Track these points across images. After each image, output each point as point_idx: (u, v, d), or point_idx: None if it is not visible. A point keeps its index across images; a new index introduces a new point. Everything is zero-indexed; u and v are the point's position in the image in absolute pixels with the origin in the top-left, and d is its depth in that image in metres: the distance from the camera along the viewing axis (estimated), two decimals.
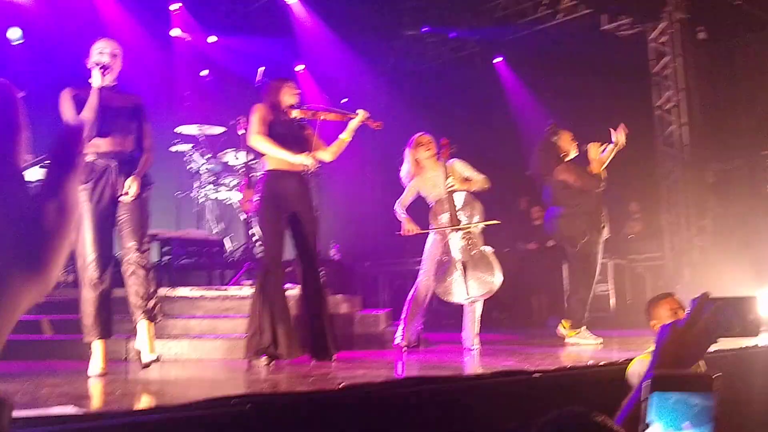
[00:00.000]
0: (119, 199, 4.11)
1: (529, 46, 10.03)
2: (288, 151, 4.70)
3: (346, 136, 4.92)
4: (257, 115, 4.78)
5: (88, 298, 4.00)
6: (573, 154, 6.07)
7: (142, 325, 4.09)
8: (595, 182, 5.95)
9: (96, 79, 4.08)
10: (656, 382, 1.27)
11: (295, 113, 4.83)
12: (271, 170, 4.82)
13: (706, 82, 9.30)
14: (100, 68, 4.07)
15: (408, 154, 5.59)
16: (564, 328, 5.89)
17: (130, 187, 4.10)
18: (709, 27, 9.25)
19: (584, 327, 5.84)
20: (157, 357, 4.05)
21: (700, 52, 9.28)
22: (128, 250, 4.11)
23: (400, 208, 5.54)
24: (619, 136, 6.05)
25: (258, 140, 4.77)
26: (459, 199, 5.44)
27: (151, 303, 4.12)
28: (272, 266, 4.65)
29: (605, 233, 6.05)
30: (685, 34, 9.26)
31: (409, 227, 5.44)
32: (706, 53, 9.29)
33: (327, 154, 4.96)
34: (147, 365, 4.03)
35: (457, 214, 5.40)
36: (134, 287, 4.08)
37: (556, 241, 6.49)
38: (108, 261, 4.05)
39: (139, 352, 4.09)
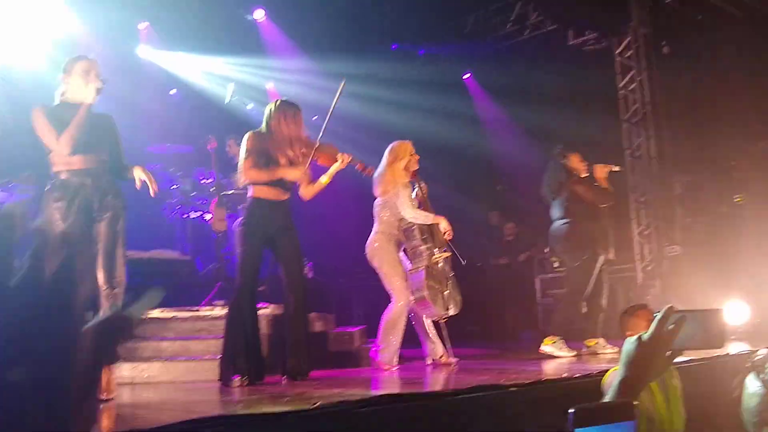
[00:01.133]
0: (95, 217, 4.03)
1: (498, 62, 10.13)
2: (281, 170, 4.74)
3: (325, 181, 4.94)
4: (248, 149, 4.78)
5: None
6: (583, 174, 6.23)
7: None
8: (606, 196, 6.15)
9: (89, 97, 4.04)
10: (578, 416, 1.28)
11: (292, 150, 4.82)
12: (256, 198, 4.81)
13: (672, 95, 9.45)
14: (98, 90, 4.05)
15: (393, 158, 5.51)
16: (545, 345, 5.94)
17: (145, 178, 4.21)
18: (673, 41, 9.43)
19: (560, 338, 5.89)
20: (112, 398, 3.94)
21: (664, 65, 9.45)
22: (101, 283, 4.01)
23: (420, 211, 5.41)
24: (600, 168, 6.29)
25: (251, 176, 4.77)
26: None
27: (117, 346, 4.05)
28: (246, 287, 4.64)
29: (610, 255, 6.18)
30: (650, 48, 9.43)
31: (448, 226, 5.37)
32: (671, 67, 9.46)
33: (305, 193, 4.97)
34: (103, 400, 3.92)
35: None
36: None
37: (556, 254, 6.67)
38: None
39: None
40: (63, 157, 4.01)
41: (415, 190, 5.55)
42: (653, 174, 9.35)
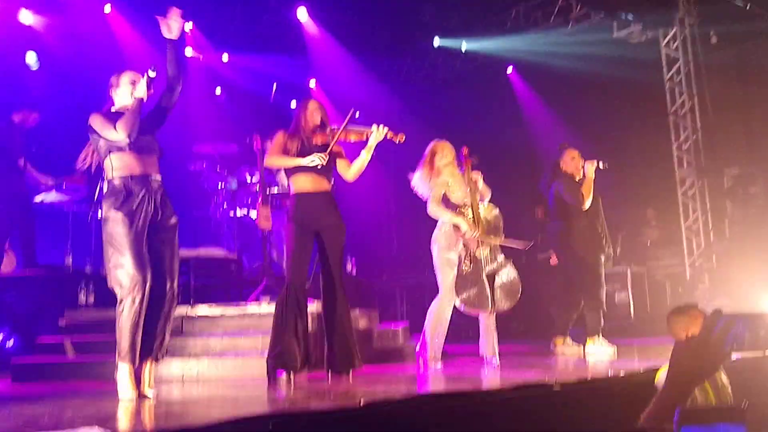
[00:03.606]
0: (158, 224, 4.09)
1: (542, 56, 10.05)
2: (296, 159, 4.78)
3: (366, 155, 4.92)
4: (276, 141, 4.90)
5: (128, 323, 3.93)
6: (576, 173, 6.14)
7: (148, 361, 4.08)
8: (579, 199, 6.01)
9: (140, 92, 4.10)
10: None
11: (316, 140, 4.87)
12: (297, 193, 4.87)
13: (720, 86, 9.27)
14: (148, 83, 4.11)
15: (424, 160, 5.54)
16: (557, 345, 6.08)
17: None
18: (721, 31, 9.23)
19: (599, 335, 5.93)
20: (155, 394, 4.01)
21: (712, 56, 9.26)
22: (163, 285, 4.08)
23: (441, 208, 5.34)
24: (588, 167, 6.10)
25: (271, 161, 4.92)
26: (483, 208, 5.42)
27: (164, 347, 4.16)
28: (295, 283, 4.69)
29: (606, 251, 6.13)
30: (697, 39, 9.25)
31: (469, 226, 5.27)
32: (719, 57, 9.27)
33: (349, 175, 4.97)
34: (145, 396, 4.00)
35: (484, 224, 5.37)
36: (158, 328, 4.08)
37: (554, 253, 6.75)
38: (146, 286, 3.98)
39: (139, 379, 4.04)
40: (124, 160, 4.07)
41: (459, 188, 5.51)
42: (701, 167, 9.19)
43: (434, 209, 5.38)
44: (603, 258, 6.08)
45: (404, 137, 4.95)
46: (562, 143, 6.42)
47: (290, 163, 4.83)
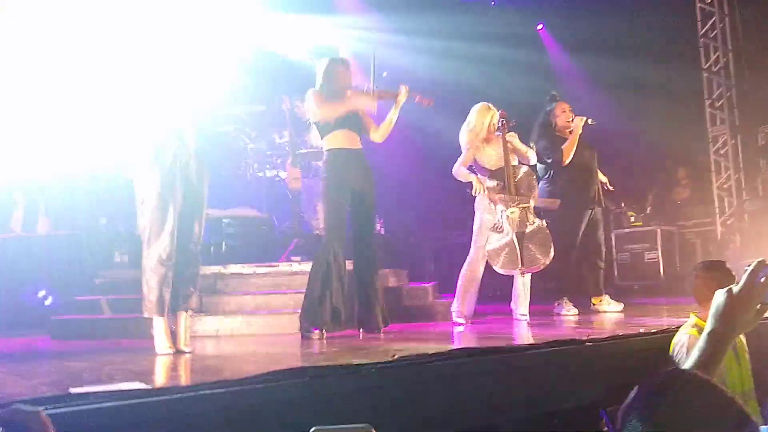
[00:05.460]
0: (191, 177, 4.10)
1: (572, 12, 9.87)
2: (351, 100, 4.83)
3: (394, 116, 4.94)
4: (313, 100, 4.87)
5: (157, 275, 3.98)
6: (565, 127, 6.04)
7: (183, 316, 4.14)
8: (558, 156, 5.92)
9: None
10: None
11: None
12: (332, 150, 4.89)
13: (755, 42, 9.06)
14: None
15: (466, 123, 5.61)
16: (594, 304, 6.04)
17: None
18: None
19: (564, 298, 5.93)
20: (190, 351, 4.07)
21: (748, 11, 9.04)
22: (190, 238, 4.12)
23: (463, 169, 5.49)
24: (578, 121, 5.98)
25: (325, 111, 4.83)
26: (519, 172, 5.46)
27: (195, 297, 4.22)
28: (333, 242, 4.73)
29: (597, 208, 6.07)
30: None
31: (479, 186, 5.40)
32: (755, 12, 9.04)
33: (377, 135, 4.99)
34: (181, 352, 4.05)
35: (517, 187, 5.40)
36: (188, 279, 4.14)
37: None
38: (175, 238, 4.00)
39: (175, 335, 4.11)
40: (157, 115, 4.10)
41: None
42: (734, 125, 9.03)
43: (455, 168, 5.52)
44: (589, 214, 6.02)
45: (433, 102, 4.97)
46: (553, 94, 6.31)
47: (345, 107, 4.81)
